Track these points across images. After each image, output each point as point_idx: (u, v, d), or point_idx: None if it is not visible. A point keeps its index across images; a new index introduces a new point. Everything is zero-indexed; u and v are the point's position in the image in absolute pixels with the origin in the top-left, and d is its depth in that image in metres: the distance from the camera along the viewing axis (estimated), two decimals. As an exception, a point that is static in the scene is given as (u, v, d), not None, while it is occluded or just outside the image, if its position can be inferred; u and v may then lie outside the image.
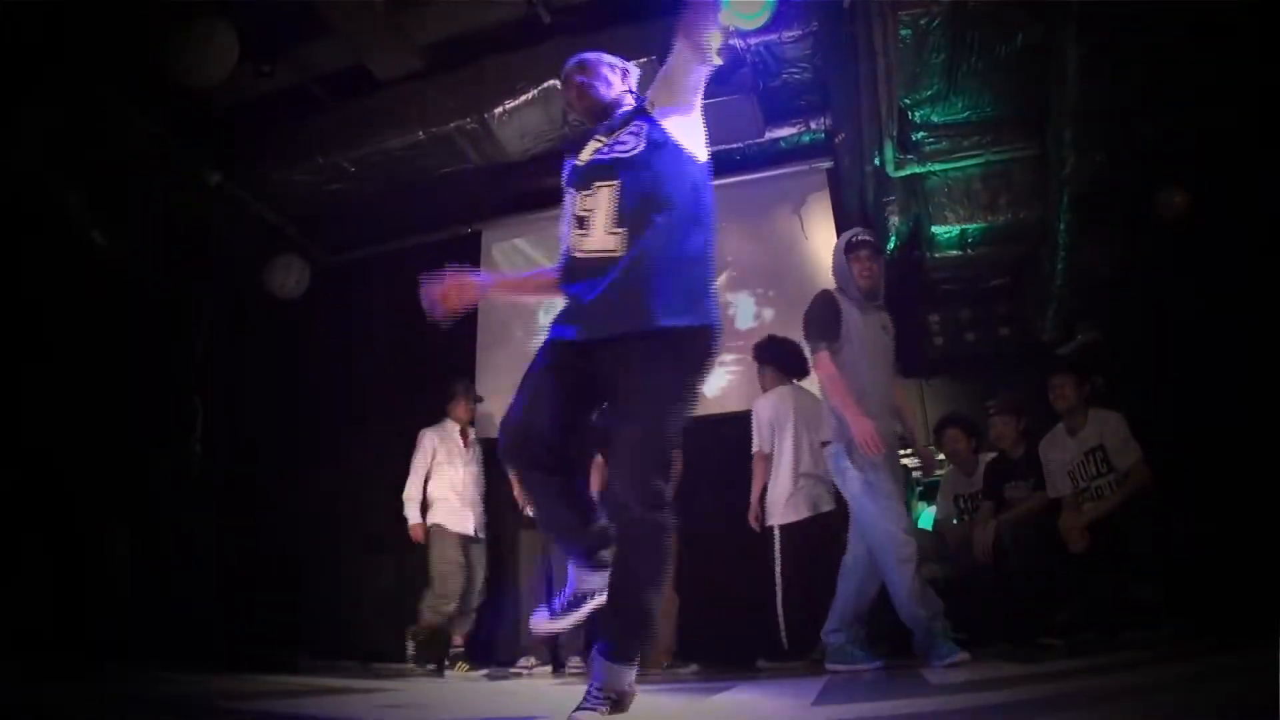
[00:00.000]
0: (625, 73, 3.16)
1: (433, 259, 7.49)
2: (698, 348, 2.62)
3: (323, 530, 7.45)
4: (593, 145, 2.87)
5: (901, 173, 6.53)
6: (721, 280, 7.39)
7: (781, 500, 5.54)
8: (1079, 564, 4.84)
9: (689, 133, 2.90)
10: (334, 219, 7.77)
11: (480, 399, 6.82)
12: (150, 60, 5.81)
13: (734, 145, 7.15)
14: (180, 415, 7.49)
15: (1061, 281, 6.39)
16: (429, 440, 6.50)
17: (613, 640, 2.54)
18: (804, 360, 5.56)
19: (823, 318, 4.73)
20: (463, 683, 5.50)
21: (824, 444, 4.76)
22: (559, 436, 2.59)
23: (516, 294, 3.21)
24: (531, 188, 7.47)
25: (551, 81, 6.32)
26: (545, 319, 7.38)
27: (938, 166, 6.51)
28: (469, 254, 8.00)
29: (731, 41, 6.11)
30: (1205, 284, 5.90)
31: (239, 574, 6.97)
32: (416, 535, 6.26)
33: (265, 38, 6.15)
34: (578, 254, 2.72)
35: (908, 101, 6.16)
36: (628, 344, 2.55)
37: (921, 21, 5.46)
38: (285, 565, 7.16)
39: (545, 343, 2.71)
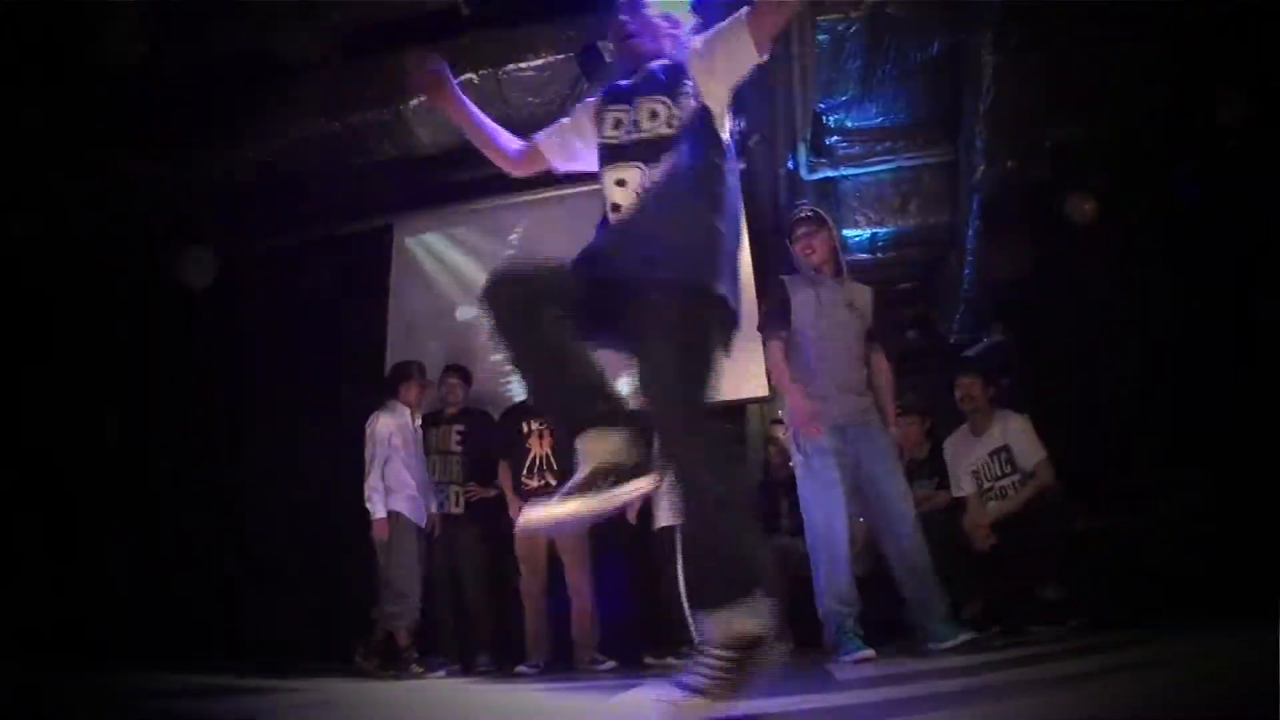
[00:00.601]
0: (675, 21, 3.04)
1: (342, 251, 7.37)
2: (702, 309, 2.49)
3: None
4: (648, 108, 2.74)
5: (814, 176, 6.61)
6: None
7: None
8: (983, 562, 4.93)
9: (722, 115, 2.80)
10: (243, 209, 7.59)
11: (430, 382, 6.43)
12: (55, 41, 5.62)
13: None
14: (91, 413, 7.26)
15: (969, 285, 6.52)
16: (383, 425, 5.95)
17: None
18: None
19: (770, 307, 4.82)
20: (436, 686, 5.22)
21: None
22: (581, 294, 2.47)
23: (473, 135, 3.06)
24: (445, 181, 7.38)
25: (468, 75, 6.26)
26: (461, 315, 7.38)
27: (850, 171, 6.61)
28: (380, 247, 7.90)
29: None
30: (1111, 287, 6.06)
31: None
32: (381, 531, 5.72)
33: (176, 19, 5.96)
34: (615, 216, 2.68)
35: (822, 105, 6.23)
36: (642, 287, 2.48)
37: (839, 27, 5.52)
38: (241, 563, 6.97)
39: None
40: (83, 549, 6.14)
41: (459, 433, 6.30)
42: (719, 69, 2.74)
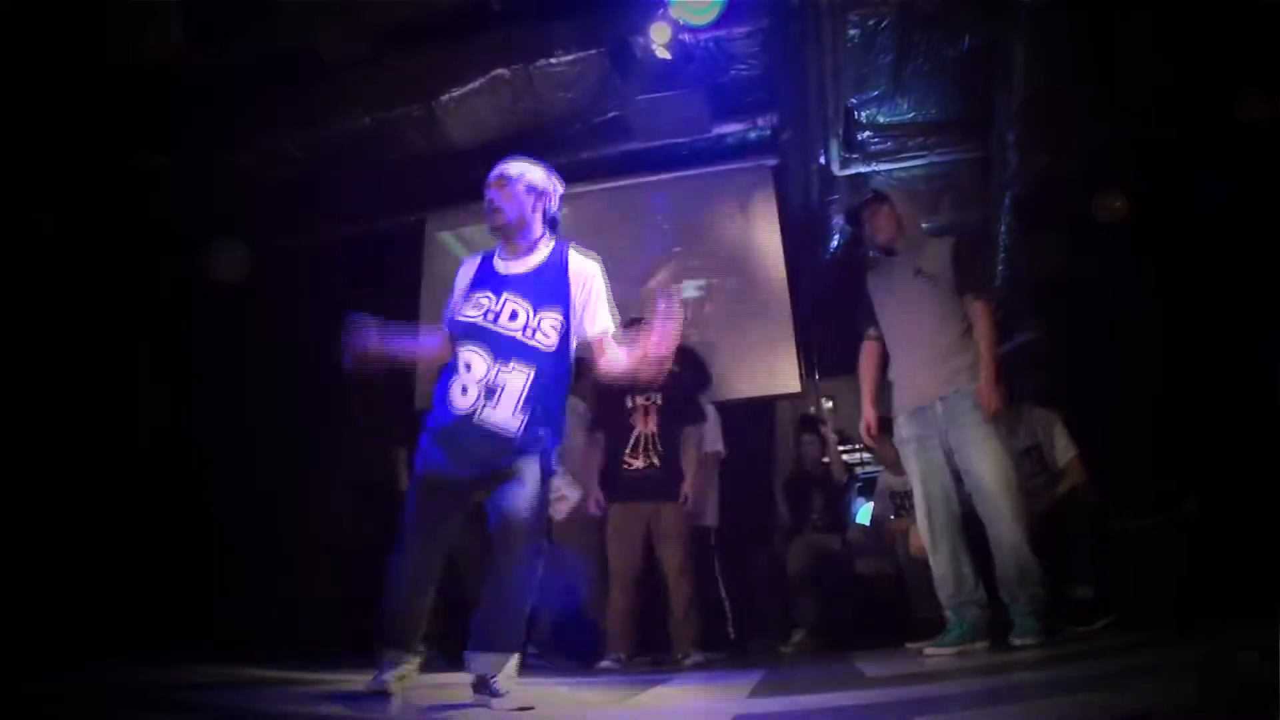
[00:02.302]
0: (540, 193, 3.39)
1: (376, 246, 7.44)
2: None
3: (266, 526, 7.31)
4: (510, 307, 3.15)
5: (846, 172, 6.59)
6: (665, 274, 7.41)
7: None
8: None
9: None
10: (278, 204, 7.65)
11: None
12: (90, 39, 5.68)
13: (680, 141, 7.16)
14: (127, 402, 7.32)
15: (1002, 282, 6.48)
16: None
17: None
18: None
19: (856, 307, 4.77)
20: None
21: None
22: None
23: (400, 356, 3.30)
24: (477, 177, 7.40)
25: (500, 70, 6.29)
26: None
27: (882, 167, 6.58)
28: (412, 242, 7.95)
29: (681, 37, 6.11)
30: (1142, 285, 6.01)
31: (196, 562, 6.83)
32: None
33: (212, 17, 6.01)
34: (478, 421, 3.02)
35: (854, 101, 6.21)
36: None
37: (870, 22, 5.50)
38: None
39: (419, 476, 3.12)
40: (110, 543, 6.17)
41: None
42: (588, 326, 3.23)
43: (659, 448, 5.51)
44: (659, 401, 5.55)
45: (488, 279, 3.26)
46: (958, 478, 4.25)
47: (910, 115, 6.32)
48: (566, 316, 3.15)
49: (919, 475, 4.32)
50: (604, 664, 5.21)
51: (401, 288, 7.77)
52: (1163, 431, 5.58)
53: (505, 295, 3.16)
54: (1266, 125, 5.22)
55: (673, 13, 5.97)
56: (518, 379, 3.03)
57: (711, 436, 5.98)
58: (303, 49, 6.50)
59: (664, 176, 7.56)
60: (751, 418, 7.14)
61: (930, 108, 6.24)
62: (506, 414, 3.00)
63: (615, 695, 3.03)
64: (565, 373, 3.19)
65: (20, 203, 6.24)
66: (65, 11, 5.58)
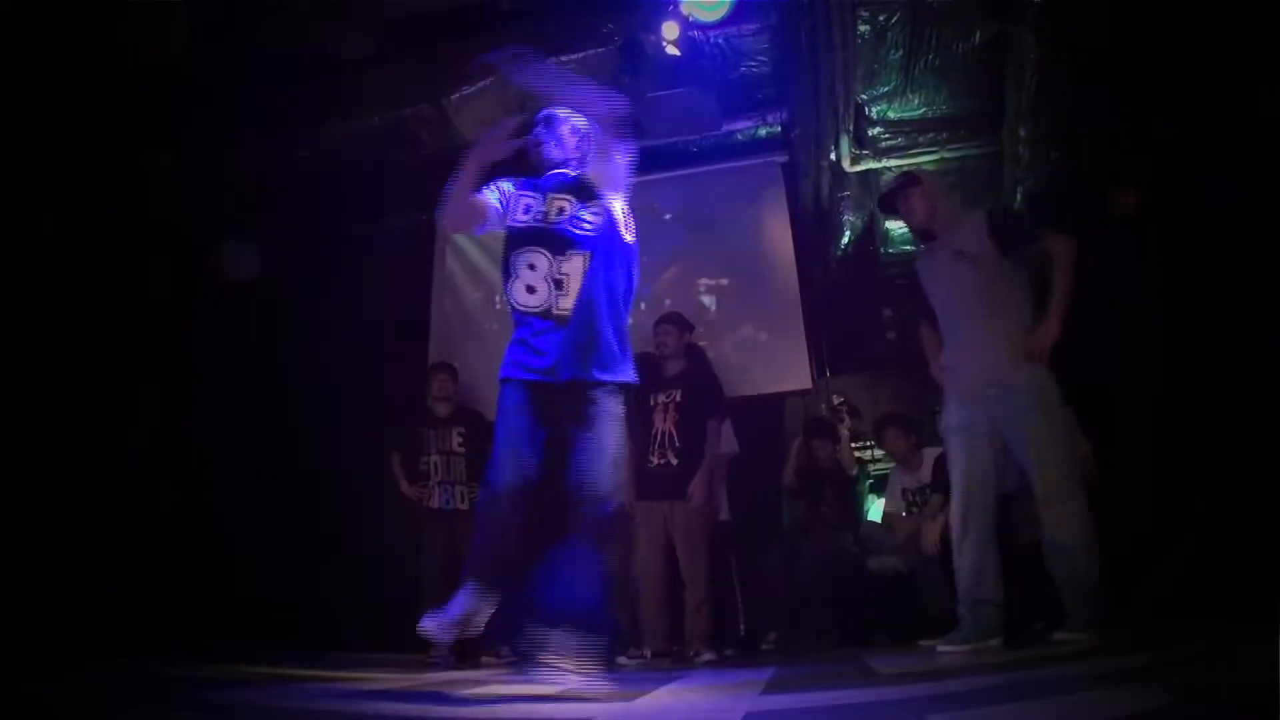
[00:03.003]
0: (583, 137, 3.61)
1: (384, 246, 7.45)
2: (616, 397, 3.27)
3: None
4: (557, 204, 3.39)
5: (857, 168, 6.59)
6: (673, 271, 7.41)
7: None
8: (1028, 556, 4.87)
9: (624, 214, 3.45)
10: (283, 205, 7.67)
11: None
12: (95, 38, 5.68)
13: (691, 137, 7.17)
14: (127, 402, 7.33)
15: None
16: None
17: None
18: None
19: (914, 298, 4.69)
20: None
21: None
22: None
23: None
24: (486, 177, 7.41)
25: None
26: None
27: (893, 163, 6.56)
28: (422, 242, 7.96)
29: (690, 34, 6.12)
30: (1155, 281, 5.97)
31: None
32: None
33: (217, 16, 6.02)
34: (556, 311, 3.27)
35: (864, 97, 6.20)
36: (575, 388, 3.21)
37: (880, 18, 5.49)
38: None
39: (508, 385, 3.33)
40: (110, 542, 6.17)
41: (460, 434, 6.41)
42: (606, 166, 3.46)
43: (676, 445, 5.52)
44: (678, 399, 5.56)
45: (529, 186, 3.53)
46: (999, 469, 4.14)
47: (921, 111, 6.30)
48: (605, 205, 3.39)
49: (962, 461, 4.17)
50: (622, 660, 5.15)
51: (412, 288, 7.79)
52: (1163, 431, 5.54)
53: (550, 195, 3.42)
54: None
55: (683, 10, 5.97)
56: (577, 264, 3.27)
57: (726, 435, 5.98)
58: (309, 48, 6.51)
59: (674, 174, 7.54)
60: (762, 415, 7.13)
61: (941, 103, 6.22)
62: (573, 300, 3.25)
63: (625, 692, 3.02)
64: (621, 255, 3.40)
65: (20, 202, 6.25)
66: (72, 9, 5.59)
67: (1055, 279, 4.03)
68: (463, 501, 6.22)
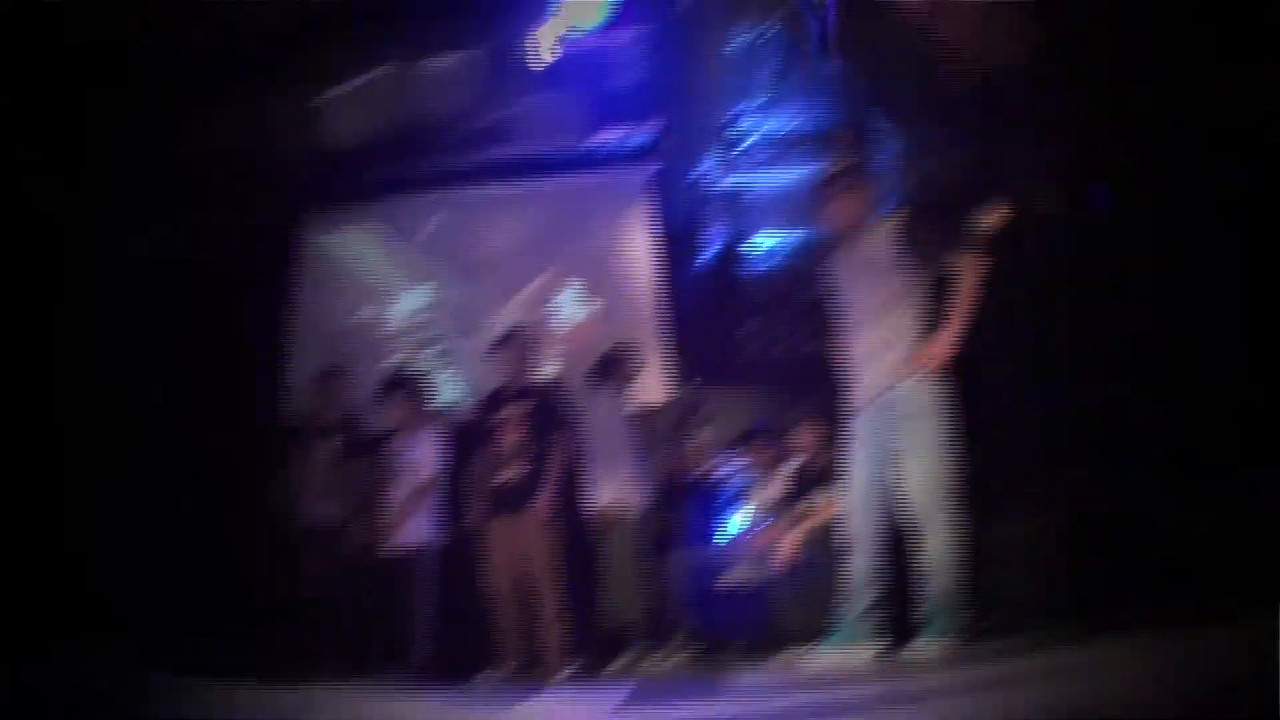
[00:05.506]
0: None
1: (248, 246, 7.17)
2: None
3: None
4: None
5: (726, 180, 6.62)
6: (543, 280, 7.34)
7: None
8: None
9: None
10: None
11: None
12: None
13: (562, 145, 7.12)
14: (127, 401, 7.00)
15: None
16: None
17: None
18: None
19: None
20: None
21: None
22: None
23: None
24: (354, 177, 7.25)
25: (380, 69, 6.18)
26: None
27: (762, 175, 6.62)
28: (287, 242, 7.73)
29: (566, 40, 6.08)
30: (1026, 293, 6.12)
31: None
32: None
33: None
34: None
35: (736, 110, 6.24)
36: None
37: (756, 31, 5.53)
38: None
39: None
40: (111, 540, 6.10)
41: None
42: None
43: (525, 457, 5.46)
44: (527, 410, 5.50)
45: None
46: (890, 476, 3.99)
47: (792, 125, 6.37)
48: None
49: (861, 462, 4.05)
50: (480, 678, 5.17)
51: (275, 289, 7.56)
52: (1164, 430, 5.63)
53: None
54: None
55: (560, 15, 5.93)
56: None
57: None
58: (180, 43, 6.25)
59: (544, 181, 7.47)
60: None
61: (812, 118, 6.30)
62: None
63: (482, 712, 2.95)
64: None
65: (22, 191, 6.09)
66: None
67: (957, 296, 3.95)
68: None
